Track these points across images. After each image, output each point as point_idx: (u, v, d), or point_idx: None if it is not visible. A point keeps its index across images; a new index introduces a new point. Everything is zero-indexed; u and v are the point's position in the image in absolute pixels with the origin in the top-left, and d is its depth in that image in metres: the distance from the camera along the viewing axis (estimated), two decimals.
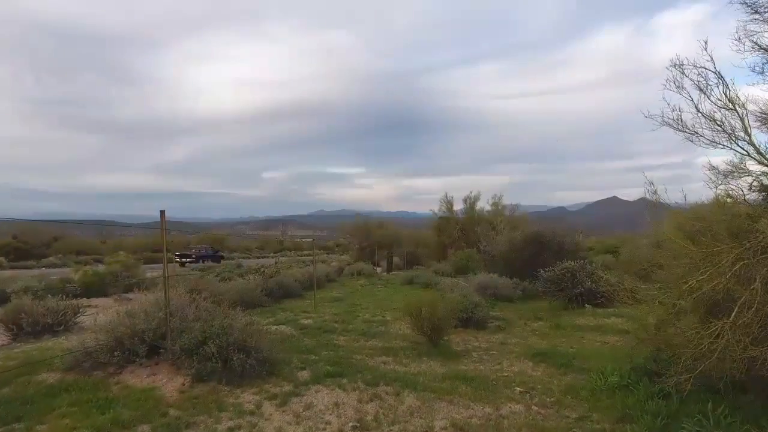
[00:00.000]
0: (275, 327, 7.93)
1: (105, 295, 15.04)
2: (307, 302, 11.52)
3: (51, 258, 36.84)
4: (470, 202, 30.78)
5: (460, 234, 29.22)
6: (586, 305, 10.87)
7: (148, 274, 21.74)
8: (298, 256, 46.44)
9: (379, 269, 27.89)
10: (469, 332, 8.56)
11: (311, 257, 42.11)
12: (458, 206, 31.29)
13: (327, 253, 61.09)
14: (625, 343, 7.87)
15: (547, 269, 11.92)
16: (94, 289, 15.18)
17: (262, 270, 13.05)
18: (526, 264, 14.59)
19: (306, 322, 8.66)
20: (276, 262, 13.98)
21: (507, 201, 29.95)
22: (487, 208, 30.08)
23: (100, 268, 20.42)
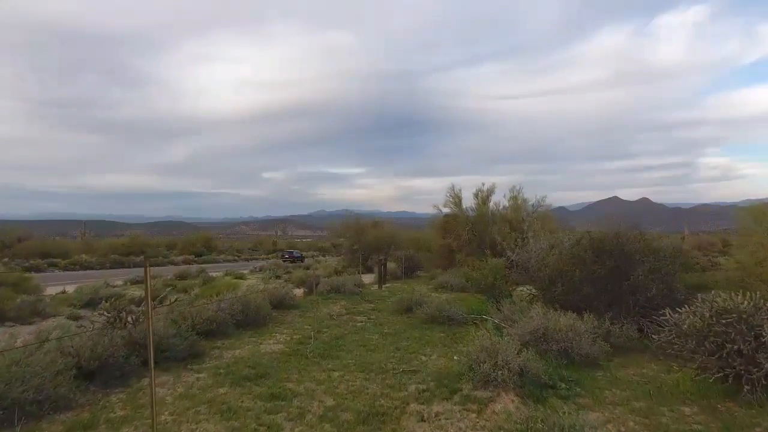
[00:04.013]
0: None
1: None
2: (196, 377, 5.52)
3: None
4: (482, 196, 24.61)
5: (471, 235, 23.13)
6: None
7: (49, 292, 15.73)
8: (282, 260, 39.99)
9: (371, 277, 21.80)
10: None
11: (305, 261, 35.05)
12: (465, 203, 25.28)
13: (323, 255, 55.05)
14: None
15: (674, 310, 5.86)
16: None
17: (119, 307, 6.51)
18: (600, 290, 8.53)
19: None
20: (161, 297, 7.46)
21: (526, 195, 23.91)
22: (504, 203, 23.97)
23: None
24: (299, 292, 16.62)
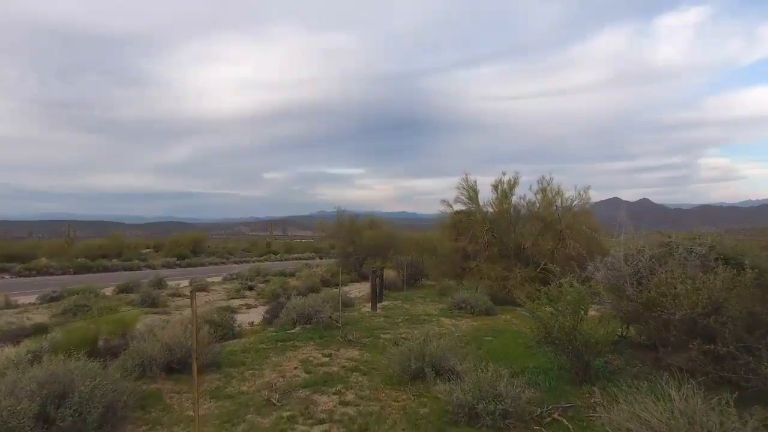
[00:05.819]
0: None
1: None
2: None
3: None
4: (503, 189, 19.53)
5: (491, 237, 18.11)
6: None
7: None
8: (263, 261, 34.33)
9: (365, 288, 16.82)
10: None
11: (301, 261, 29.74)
12: (482, 198, 20.27)
13: (320, 257, 50.21)
14: None
15: None
16: None
17: None
18: None
19: None
20: None
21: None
22: (530, 197, 18.92)
23: None
24: (259, 315, 11.58)
